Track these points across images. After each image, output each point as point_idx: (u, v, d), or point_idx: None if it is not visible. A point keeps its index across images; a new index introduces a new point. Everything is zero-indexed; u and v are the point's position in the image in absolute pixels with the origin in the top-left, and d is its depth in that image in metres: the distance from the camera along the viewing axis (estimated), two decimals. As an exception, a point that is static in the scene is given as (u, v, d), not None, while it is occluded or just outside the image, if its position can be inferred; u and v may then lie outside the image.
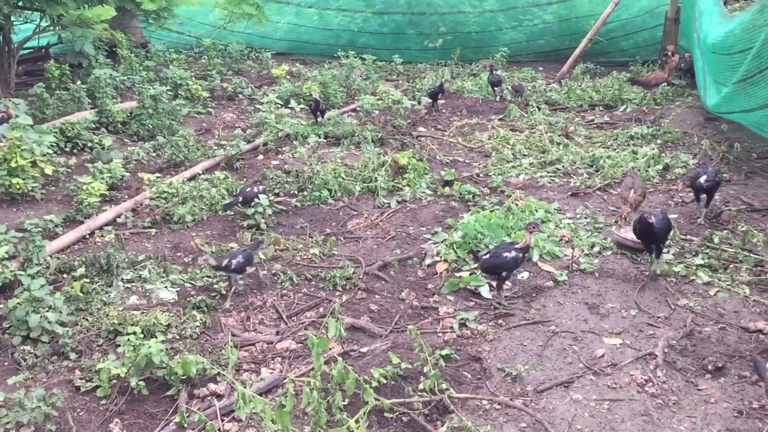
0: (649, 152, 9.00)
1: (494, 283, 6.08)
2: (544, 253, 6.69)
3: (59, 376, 5.12)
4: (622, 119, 11.17)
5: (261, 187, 7.71)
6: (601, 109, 11.90)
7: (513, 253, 5.79)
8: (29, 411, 4.45)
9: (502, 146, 9.90)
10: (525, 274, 6.43)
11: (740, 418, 4.53)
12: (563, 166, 9.13)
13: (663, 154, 9.16)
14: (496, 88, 12.72)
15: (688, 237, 6.95)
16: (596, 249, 6.81)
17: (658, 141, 9.83)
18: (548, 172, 9.00)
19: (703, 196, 7.21)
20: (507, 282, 6.13)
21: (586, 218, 7.52)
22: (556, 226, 7.21)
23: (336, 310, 4.52)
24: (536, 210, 7.45)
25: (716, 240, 6.75)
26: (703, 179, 7.02)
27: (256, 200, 7.45)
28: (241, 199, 7.54)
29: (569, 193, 8.33)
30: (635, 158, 8.96)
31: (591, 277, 6.35)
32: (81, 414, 4.76)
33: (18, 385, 4.88)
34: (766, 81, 7.19)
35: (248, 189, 7.64)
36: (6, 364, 5.26)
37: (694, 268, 6.34)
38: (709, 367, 5.01)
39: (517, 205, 7.57)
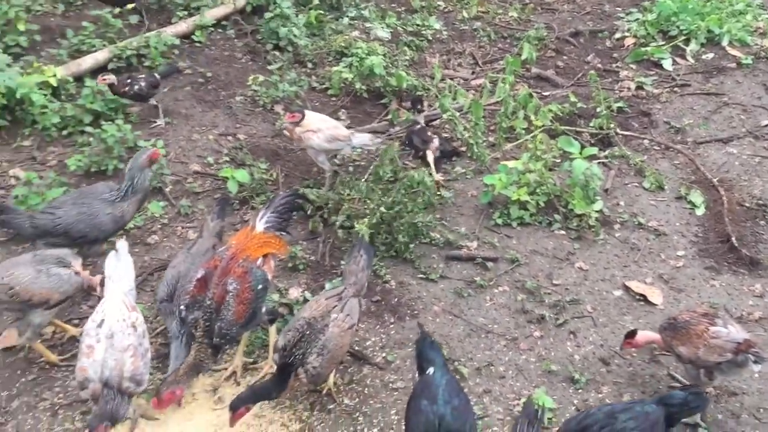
0: None
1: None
2: (734, 39, 6.92)
3: (300, 78, 6.43)
4: None
5: None
6: None
7: None
8: (281, 91, 5.82)
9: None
10: (710, 55, 6.77)
11: None
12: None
13: None
14: None
15: None
16: (792, 41, 6.92)
17: None
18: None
19: None
20: (690, 58, 6.58)
21: (792, 15, 7.48)
22: (754, 18, 7.29)
23: (530, 36, 5.31)
24: (737, 1, 7.51)
25: None
26: None
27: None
28: None
29: (779, -9, 8.16)
30: None
31: (777, 64, 6.59)
32: (316, 104, 6.08)
33: (275, 71, 6.26)
34: None
35: None
36: (259, 64, 6.65)
37: None
38: None
39: (718, -6, 7.65)
